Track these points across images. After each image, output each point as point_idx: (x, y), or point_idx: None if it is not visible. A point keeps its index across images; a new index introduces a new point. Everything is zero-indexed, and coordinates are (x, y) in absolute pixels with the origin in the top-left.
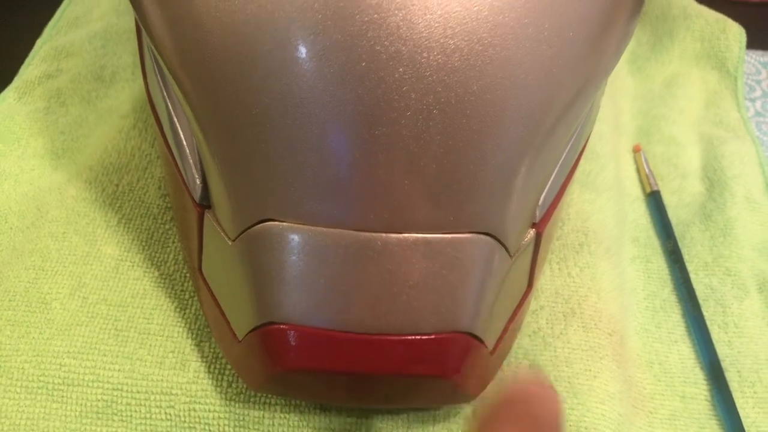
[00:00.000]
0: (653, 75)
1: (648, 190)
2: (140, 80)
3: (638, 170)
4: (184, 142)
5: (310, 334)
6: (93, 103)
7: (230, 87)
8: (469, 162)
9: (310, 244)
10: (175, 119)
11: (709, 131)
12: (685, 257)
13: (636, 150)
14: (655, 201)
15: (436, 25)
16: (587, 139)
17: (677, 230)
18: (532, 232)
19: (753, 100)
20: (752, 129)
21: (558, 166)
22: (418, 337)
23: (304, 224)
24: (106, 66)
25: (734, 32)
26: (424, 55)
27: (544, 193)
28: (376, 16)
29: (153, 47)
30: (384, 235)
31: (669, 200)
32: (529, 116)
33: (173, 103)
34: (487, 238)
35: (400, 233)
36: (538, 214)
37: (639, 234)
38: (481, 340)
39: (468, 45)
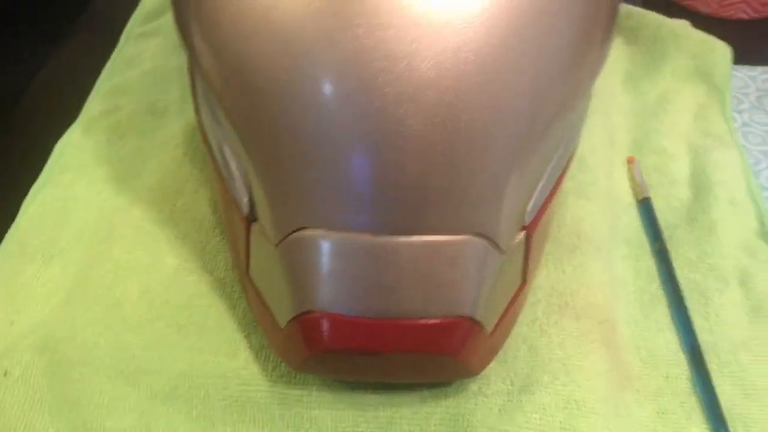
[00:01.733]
0: (646, 92)
1: (640, 197)
2: (187, 113)
3: (631, 179)
4: (233, 167)
5: (340, 320)
6: (148, 134)
7: (270, 121)
8: (464, 177)
9: (337, 247)
10: (225, 147)
11: (697, 141)
12: (672, 256)
13: (630, 161)
14: (645, 207)
15: (433, 69)
16: (572, 153)
17: (666, 232)
18: (522, 233)
19: (741, 112)
20: (738, 138)
21: (545, 177)
22: (427, 321)
23: (332, 230)
24: (158, 101)
25: (721, 50)
26: (423, 93)
27: (532, 200)
28: (386, 63)
29: (206, 82)
30: (396, 238)
31: (659, 205)
32: (514, 137)
33: (223, 134)
34: (481, 239)
35: (410, 236)
36: (527, 219)
37: (631, 236)
38: (480, 324)
39: (458, 84)
